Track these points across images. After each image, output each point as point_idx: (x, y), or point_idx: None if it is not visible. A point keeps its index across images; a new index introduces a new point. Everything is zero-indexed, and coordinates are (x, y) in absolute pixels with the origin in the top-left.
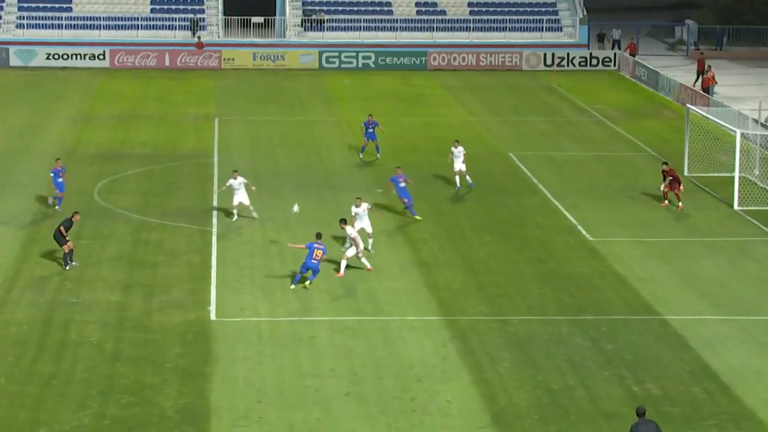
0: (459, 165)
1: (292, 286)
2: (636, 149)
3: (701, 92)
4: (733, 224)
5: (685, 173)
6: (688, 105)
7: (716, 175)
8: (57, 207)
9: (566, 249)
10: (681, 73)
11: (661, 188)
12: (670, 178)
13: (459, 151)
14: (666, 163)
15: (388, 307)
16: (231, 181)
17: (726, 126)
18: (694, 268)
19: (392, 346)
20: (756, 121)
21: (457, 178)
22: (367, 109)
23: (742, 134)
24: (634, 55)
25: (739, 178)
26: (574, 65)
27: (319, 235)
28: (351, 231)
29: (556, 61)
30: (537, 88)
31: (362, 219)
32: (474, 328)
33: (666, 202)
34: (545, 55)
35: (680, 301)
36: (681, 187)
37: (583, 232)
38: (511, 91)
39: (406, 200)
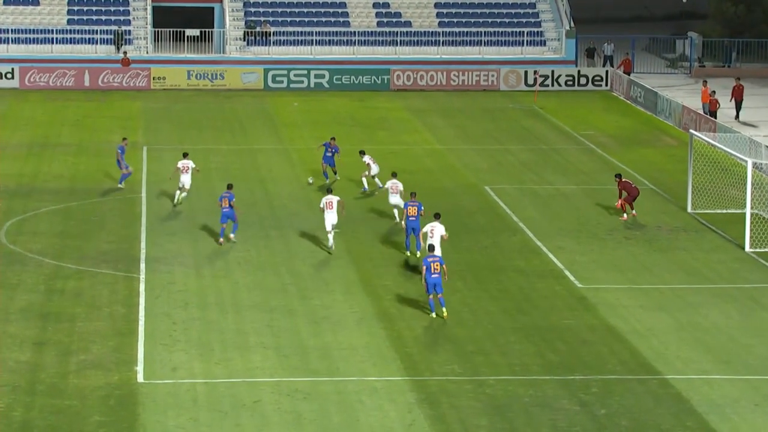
0: (395, 200)
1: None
2: (632, 181)
3: (706, 116)
4: (744, 269)
5: (689, 210)
6: (691, 131)
7: (724, 211)
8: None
9: (551, 298)
10: (683, 93)
11: (617, 204)
12: (625, 193)
13: (394, 185)
14: (619, 176)
15: (344, 366)
16: (179, 164)
17: (735, 155)
18: (699, 320)
19: (350, 411)
20: None
21: (396, 211)
22: (320, 135)
23: (754, 164)
24: (628, 73)
25: (751, 215)
26: (559, 85)
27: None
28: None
29: (539, 80)
30: (517, 112)
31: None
32: (445, 389)
33: (624, 216)
34: (526, 73)
35: (683, 358)
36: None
37: (571, 277)
38: (487, 114)
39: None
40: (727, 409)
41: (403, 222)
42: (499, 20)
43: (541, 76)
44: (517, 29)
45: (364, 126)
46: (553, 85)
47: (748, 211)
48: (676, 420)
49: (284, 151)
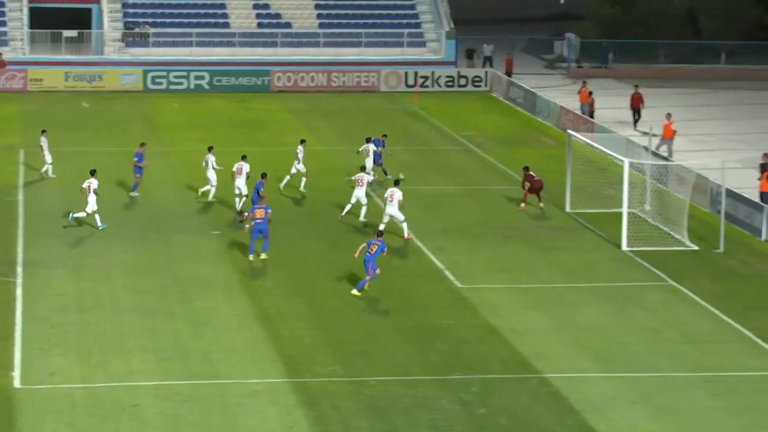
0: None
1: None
2: (511, 182)
3: (585, 116)
4: (620, 267)
5: (567, 209)
6: (569, 131)
7: (602, 211)
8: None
9: (432, 298)
10: (561, 94)
11: (523, 195)
12: (529, 185)
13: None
14: (525, 168)
15: (225, 369)
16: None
17: (612, 155)
18: (577, 319)
19: (230, 413)
20: (646, 148)
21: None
22: (201, 137)
23: (631, 164)
24: (510, 73)
25: (628, 214)
26: (439, 86)
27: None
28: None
29: (419, 81)
30: (397, 113)
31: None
32: (326, 391)
33: (522, 205)
34: (407, 74)
35: (562, 357)
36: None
37: (451, 278)
38: (368, 115)
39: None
40: (605, 407)
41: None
42: (379, 21)
43: (421, 77)
44: (397, 30)
45: (244, 127)
46: (433, 86)
47: (624, 210)
48: (555, 418)
49: (164, 153)
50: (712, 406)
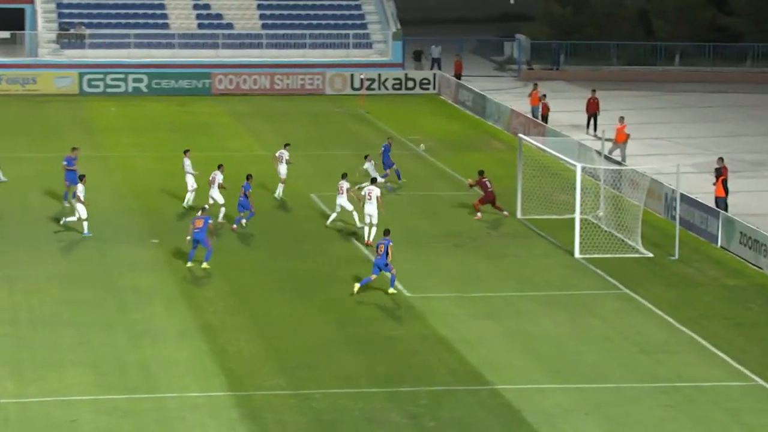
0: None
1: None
2: (459, 188)
3: (536, 120)
4: (573, 275)
5: (518, 216)
6: (520, 135)
7: (554, 217)
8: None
9: (379, 307)
10: (511, 97)
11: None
12: (482, 194)
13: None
14: (481, 173)
15: (165, 382)
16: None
17: (565, 159)
18: (529, 328)
19: (170, 428)
20: (599, 153)
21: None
22: (139, 142)
23: (584, 169)
24: (460, 75)
25: (581, 220)
26: (386, 88)
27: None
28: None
29: (366, 83)
30: (343, 116)
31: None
32: (270, 404)
33: (479, 214)
34: (352, 76)
35: (514, 367)
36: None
37: (399, 286)
38: (313, 119)
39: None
40: (558, 419)
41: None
42: (323, 22)
43: (367, 79)
44: (343, 31)
45: (184, 131)
46: (380, 88)
47: (577, 216)
48: (506, 431)
49: (102, 159)
50: (667, 417)
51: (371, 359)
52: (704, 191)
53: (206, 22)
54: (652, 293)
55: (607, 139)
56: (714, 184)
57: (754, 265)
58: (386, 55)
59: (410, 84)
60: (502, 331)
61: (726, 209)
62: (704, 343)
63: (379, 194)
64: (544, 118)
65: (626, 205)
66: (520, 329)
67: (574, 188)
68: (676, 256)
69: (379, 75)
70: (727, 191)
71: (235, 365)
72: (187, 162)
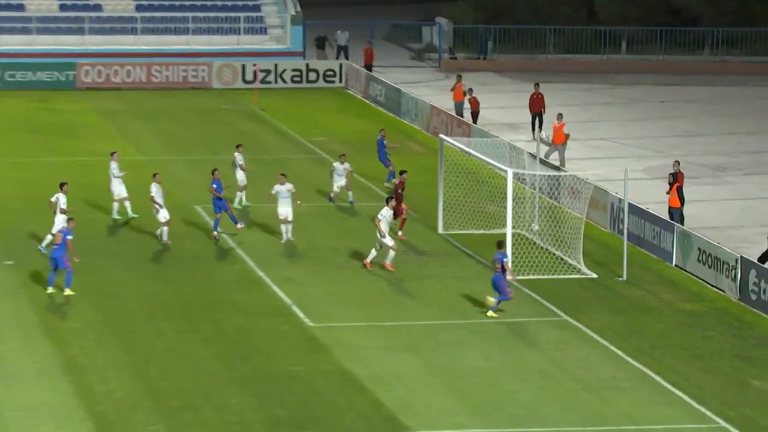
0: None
1: None
2: (372, 197)
3: (460, 117)
4: (505, 300)
5: (440, 230)
6: (441, 136)
7: (481, 232)
8: None
9: (277, 339)
10: (431, 91)
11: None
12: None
13: (343, 169)
14: (402, 173)
15: (21, 430)
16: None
17: (493, 164)
18: (453, 363)
19: None
20: (533, 156)
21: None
22: None
23: (515, 175)
24: (370, 66)
25: (513, 236)
26: (284, 81)
27: None
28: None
29: (260, 75)
30: (234, 114)
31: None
32: None
33: (400, 233)
34: (244, 67)
35: (436, 409)
36: (403, 208)
37: (300, 314)
38: (198, 117)
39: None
40: None
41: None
42: (210, 3)
43: (262, 71)
44: (232, 14)
45: (45, 132)
46: (276, 81)
47: (508, 231)
48: None
49: None
50: None
51: (267, 401)
52: (657, 200)
53: (70, 3)
54: (597, 320)
55: (543, 141)
56: (668, 192)
57: (714, 286)
58: (284, 43)
59: (312, 76)
60: (422, 366)
61: (682, 222)
62: (657, 378)
63: (292, 188)
64: (474, 116)
65: (566, 217)
66: (443, 364)
67: (505, 198)
68: (624, 277)
69: (276, 66)
70: (683, 200)
71: (106, 408)
72: (239, 157)
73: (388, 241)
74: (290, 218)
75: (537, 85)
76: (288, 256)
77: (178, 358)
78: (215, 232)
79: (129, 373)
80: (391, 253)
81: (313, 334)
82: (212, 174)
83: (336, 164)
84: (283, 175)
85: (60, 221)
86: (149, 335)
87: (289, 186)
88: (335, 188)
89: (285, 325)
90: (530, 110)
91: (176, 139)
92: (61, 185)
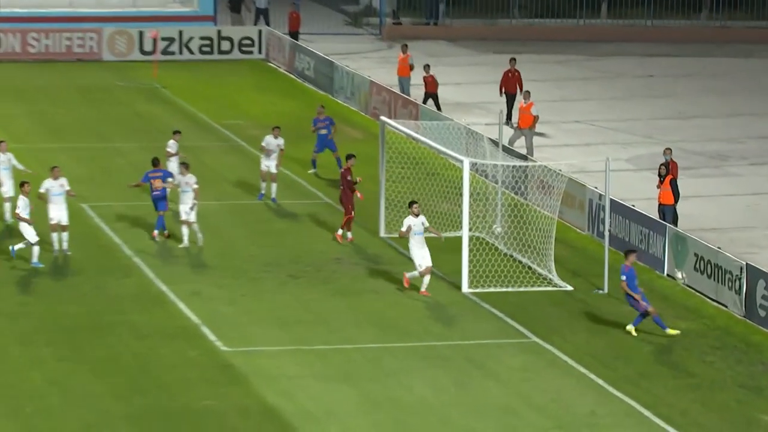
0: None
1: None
2: (298, 194)
3: (406, 96)
4: (460, 317)
5: (382, 234)
6: (383, 118)
7: (432, 236)
8: None
9: (183, 367)
10: (371, 64)
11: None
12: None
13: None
14: (351, 156)
15: None
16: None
17: (446, 152)
18: (398, 395)
19: None
20: (495, 142)
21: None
22: None
23: (473, 165)
24: (297, 34)
25: (470, 239)
26: (191, 52)
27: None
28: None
29: (160, 45)
30: (129, 92)
31: None
32: None
33: (339, 232)
34: (141, 35)
35: None
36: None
37: (211, 336)
38: (85, 96)
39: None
40: None
41: None
42: None
43: (163, 39)
44: None
45: None
46: (182, 52)
47: (465, 234)
48: None
49: None
50: None
51: None
52: (645, 196)
53: None
54: (572, 342)
55: (507, 124)
56: (658, 186)
57: (714, 300)
58: (190, 5)
59: (225, 45)
60: (361, 398)
61: (676, 222)
62: (646, 413)
63: (195, 183)
64: (431, 99)
65: (534, 217)
66: (386, 396)
67: (460, 194)
68: (605, 290)
69: (181, 33)
70: (676, 196)
71: None
72: (174, 145)
73: (417, 260)
74: (192, 219)
75: (513, 60)
76: (194, 265)
77: (60, 392)
78: (155, 232)
79: (2, 411)
80: (426, 279)
81: (227, 361)
82: (153, 164)
83: (268, 138)
84: (184, 164)
85: None
86: (23, 364)
87: (188, 179)
88: (262, 167)
89: (193, 350)
90: (504, 91)
91: (58, 124)
92: None
